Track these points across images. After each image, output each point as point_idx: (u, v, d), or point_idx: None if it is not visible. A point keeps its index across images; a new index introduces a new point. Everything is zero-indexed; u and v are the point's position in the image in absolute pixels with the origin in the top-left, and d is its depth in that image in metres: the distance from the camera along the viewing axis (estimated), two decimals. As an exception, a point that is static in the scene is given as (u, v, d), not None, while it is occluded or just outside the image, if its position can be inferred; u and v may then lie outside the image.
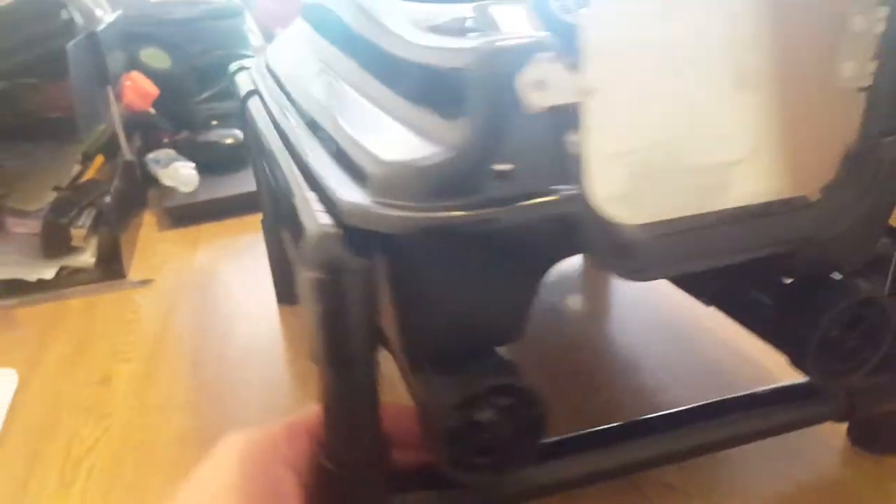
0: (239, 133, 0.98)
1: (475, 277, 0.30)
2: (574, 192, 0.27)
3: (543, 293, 0.60)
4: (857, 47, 0.28)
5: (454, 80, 0.27)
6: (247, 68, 0.58)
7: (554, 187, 0.27)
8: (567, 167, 0.27)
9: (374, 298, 0.28)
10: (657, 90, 0.27)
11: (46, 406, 0.52)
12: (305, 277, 0.27)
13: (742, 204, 0.30)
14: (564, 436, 0.36)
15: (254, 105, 0.48)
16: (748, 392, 0.40)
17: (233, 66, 0.60)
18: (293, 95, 0.43)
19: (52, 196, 0.82)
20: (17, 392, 0.54)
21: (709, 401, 0.40)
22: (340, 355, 0.29)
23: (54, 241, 0.75)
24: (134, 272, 0.75)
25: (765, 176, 0.30)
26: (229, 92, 1.15)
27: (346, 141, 0.32)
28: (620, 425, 0.38)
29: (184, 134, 1.06)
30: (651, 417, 0.39)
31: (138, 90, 1.03)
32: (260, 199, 0.62)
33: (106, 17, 0.86)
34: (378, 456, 0.32)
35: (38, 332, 0.63)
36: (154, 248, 0.81)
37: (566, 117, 0.26)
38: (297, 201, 0.31)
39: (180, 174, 0.92)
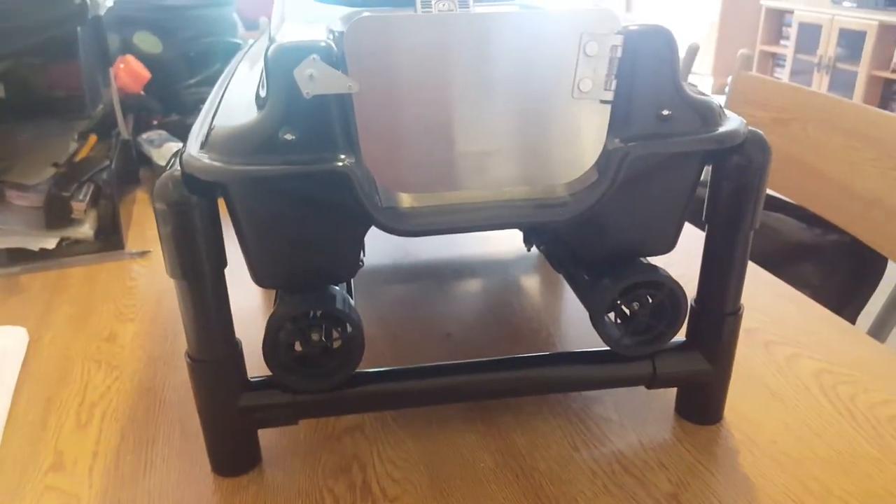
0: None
1: (296, 225, 0.39)
2: (352, 160, 0.35)
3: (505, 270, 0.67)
4: (592, 67, 0.35)
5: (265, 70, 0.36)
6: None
7: (338, 155, 0.35)
8: (349, 141, 0.35)
9: (213, 227, 0.37)
10: (412, 88, 0.35)
11: (58, 359, 0.57)
12: (154, 208, 0.37)
13: (497, 186, 0.37)
14: (382, 368, 0.44)
15: None
16: (568, 351, 0.48)
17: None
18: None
19: (50, 171, 0.86)
20: (29, 347, 0.59)
21: (528, 354, 0.46)
22: (184, 269, 0.38)
23: (56, 214, 0.79)
24: (130, 244, 0.79)
25: (518, 166, 0.37)
26: (217, 77, 1.20)
27: (213, 111, 0.41)
28: (434, 365, 0.45)
29: (174, 117, 1.11)
30: (456, 364, 0.45)
31: (132, 73, 1.07)
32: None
33: (107, 1, 0.90)
34: (228, 355, 0.41)
35: (44, 295, 0.68)
36: (149, 223, 0.85)
37: (345, 102, 0.34)
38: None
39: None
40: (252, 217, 0.38)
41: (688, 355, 0.45)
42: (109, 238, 0.80)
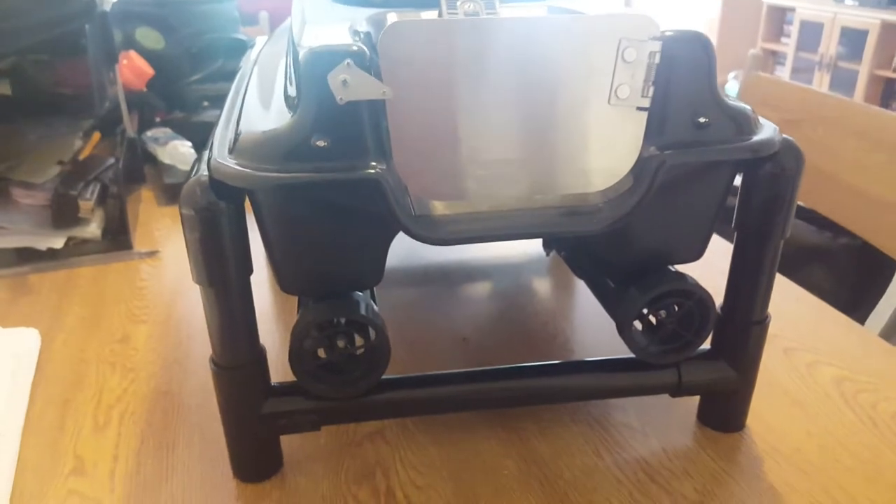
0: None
1: (324, 232, 0.38)
2: (384, 167, 0.34)
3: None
4: (630, 73, 0.34)
5: (296, 73, 0.35)
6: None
7: (369, 162, 0.34)
8: (381, 148, 0.34)
9: (240, 233, 0.37)
10: (447, 95, 0.34)
11: (72, 361, 0.56)
12: (181, 214, 0.36)
13: (531, 194, 0.36)
14: (404, 375, 0.44)
15: None
16: (594, 358, 0.47)
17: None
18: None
19: (56, 170, 0.85)
20: (42, 350, 0.58)
21: (551, 362, 0.46)
22: (212, 276, 0.37)
23: (63, 213, 0.78)
24: (138, 244, 0.79)
25: (553, 173, 0.36)
26: (221, 73, 1.19)
27: (237, 115, 0.40)
28: (456, 372, 0.45)
29: (178, 114, 1.10)
30: (475, 371, 0.45)
31: (135, 69, 1.06)
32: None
33: (112, -3, 0.90)
34: (253, 361, 0.41)
35: (54, 296, 0.67)
36: (156, 223, 0.85)
37: (378, 108, 0.34)
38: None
39: (179, 152, 0.95)
40: (280, 223, 0.38)
41: (713, 364, 0.45)
42: (117, 238, 0.79)
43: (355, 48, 0.34)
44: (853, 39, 3.41)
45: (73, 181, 0.82)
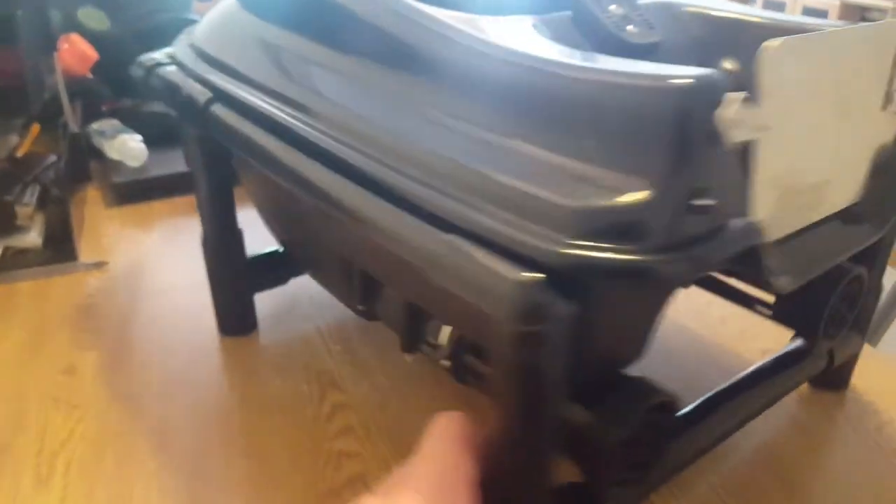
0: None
1: (625, 310, 0.32)
2: (750, 220, 0.28)
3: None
4: None
5: (639, 113, 0.27)
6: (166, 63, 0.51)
7: (737, 219, 0.28)
8: (745, 195, 0.28)
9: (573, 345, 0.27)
10: (805, 123, 0.30)
11: (10, 397, 0.50)
12: (501, 332, 0.26)
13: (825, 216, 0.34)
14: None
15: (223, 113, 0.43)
16: (758, 366, 0.43)
17: (147, 62, 0.53)
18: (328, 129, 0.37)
19: (-12, 170, 0.77)
20: (-26, 382, 0.52)
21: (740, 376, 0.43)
22: (533, 408, 0.28)
23: (-1, 220, 0.71)
24: (84, 253, 0.72)
25: (841, 191, 0.35)
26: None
27: (505, 183, 0.29)
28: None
29: (127, 103, 1.01)
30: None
31: (77, 53, 0.98)
32: (202, 218, 0.54)
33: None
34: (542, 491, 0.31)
35: (-12, 317, 0.60)
36: (103, 228, 0.78)
37: (744, 151, 0.27)
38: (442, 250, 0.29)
39: (128, 147, 0.88)
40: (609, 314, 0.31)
41: (850, 335, 0.45)
42: (60, 247, 0.71)
43: (718, 74, 0.26)
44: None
45: (9, 183, 0.74)
